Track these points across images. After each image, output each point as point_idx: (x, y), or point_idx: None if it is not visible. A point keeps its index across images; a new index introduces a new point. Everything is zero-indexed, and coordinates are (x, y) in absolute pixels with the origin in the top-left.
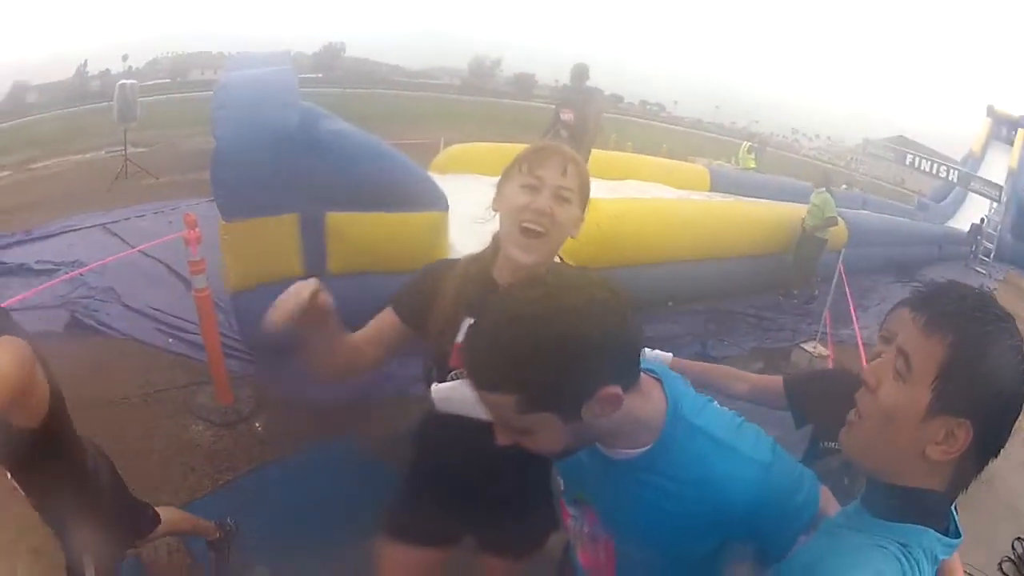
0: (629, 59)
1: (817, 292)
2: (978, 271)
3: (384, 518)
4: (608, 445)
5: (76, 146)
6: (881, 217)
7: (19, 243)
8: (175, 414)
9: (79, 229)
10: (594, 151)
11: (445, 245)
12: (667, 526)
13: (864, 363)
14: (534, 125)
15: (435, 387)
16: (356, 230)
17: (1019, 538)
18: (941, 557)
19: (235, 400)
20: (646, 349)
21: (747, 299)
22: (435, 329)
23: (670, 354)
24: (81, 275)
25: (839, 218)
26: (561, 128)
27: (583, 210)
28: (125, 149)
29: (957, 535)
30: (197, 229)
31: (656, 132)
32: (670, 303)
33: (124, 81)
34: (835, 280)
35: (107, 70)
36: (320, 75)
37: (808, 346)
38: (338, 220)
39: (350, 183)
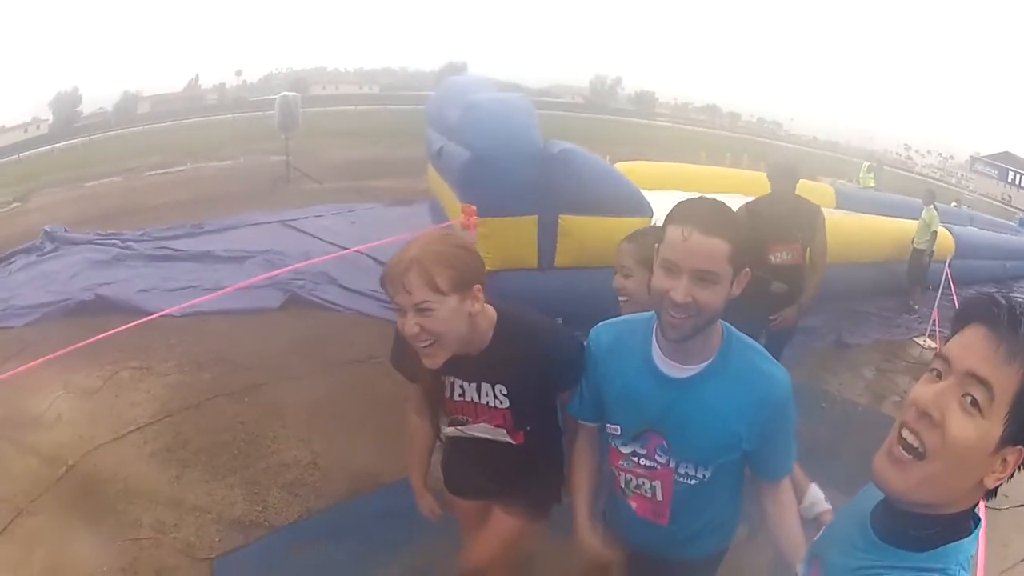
0: (745, 75)
1: (917, 306)
2: None
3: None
4: (684, 361)
5: (217, 153)
6: (985, 232)
7: (190, 235)
8: None
9: (260, 224)
10: (730, 170)
11: None
12: (723, 427)
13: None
14: (655, 143)
15: (446, 430)
16: (582, 231)
17: None
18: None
19: None
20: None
21: (872, 300)
22: (425, 384)
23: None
24: (314, 264)
25: (947, 232)
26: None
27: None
28: (287, 156)
29: (977, 520)
30: (475, 218)
31: (771, 150)
32: None
33: (286, 93)
34: (942, 285)
35: (222, 84)
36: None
37: (920, 340)
38: (568, 222)
39: (579, 192)
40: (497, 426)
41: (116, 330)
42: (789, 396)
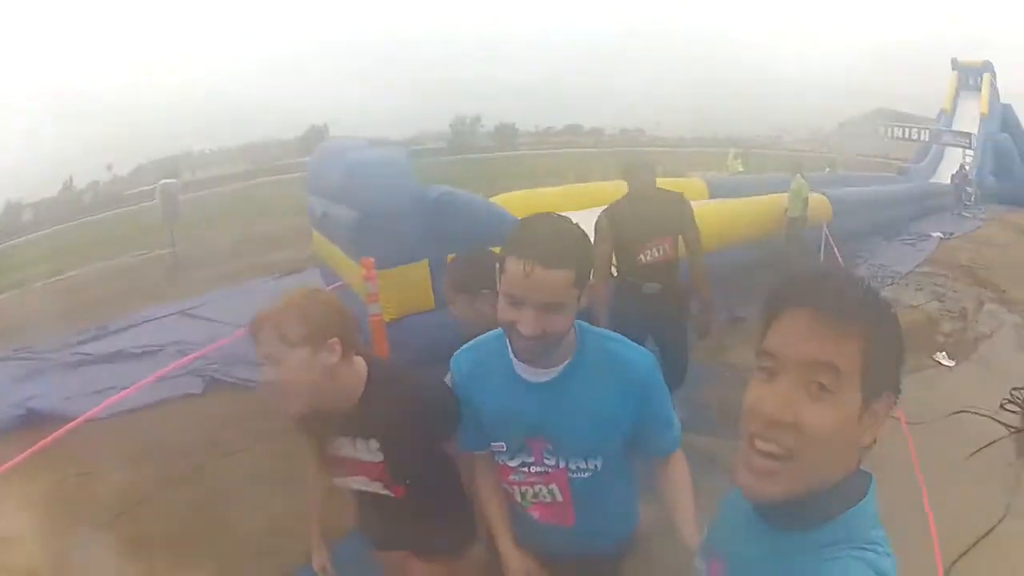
0: (602, 90)
1: None
2: (964, 215)
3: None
4: (545, 365)
5: (105, 252)
6: (862, 189)
7: (97, 338)
8: None
9: (162, 317)
10: (600, 184)
11: None
12: (598, 416)
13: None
14: (520, 173)
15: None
16: None
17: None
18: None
19: None
20: None
21: (759, 274)
22: (310, 437)
23: None
24: (220, 347)
25: (823, 196)
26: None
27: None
28: (174, 245)
29: (869, 477)
30: (374, 271)
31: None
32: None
33: (165, 180)
34: (823, 247)
35: (96, 182)
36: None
37: None
38: None
39: (461, 230)
40: (374, 479)
41: (55, 435)
42: (653, 374)
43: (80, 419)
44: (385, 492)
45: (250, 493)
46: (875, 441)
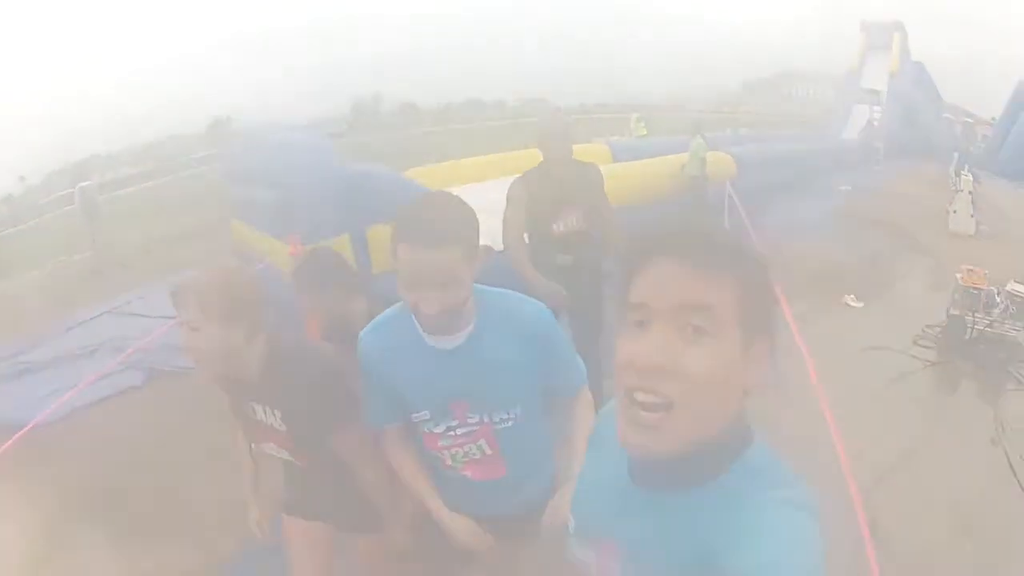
0: (500, 62)
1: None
2: (875, 169)
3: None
4: (451, 332)
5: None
6: (767, 146)
7: (34, 347)
8: None
9: (93, 318)
10: (515, 153)
11: None
12: (508, 369)
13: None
14: (422, 151)
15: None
16: (388, 238)
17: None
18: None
19: None
20: None
21: None
22: (230, 402)
23: None
24: (154, 338)
25: (727, 156)
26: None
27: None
28: (97, 247)
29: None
30: (300, 246)
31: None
32: None
33: (82, 184)
34: (726, 205)
35: (9, 195)
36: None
37: None
38: (376, 232)
39: (379, 203)
40: (281, 447)
41: (4, 446)
42: (548, 321)
43: (29, 425)
44: (292, 460)
45: (208, 470)
46: (755, 388)
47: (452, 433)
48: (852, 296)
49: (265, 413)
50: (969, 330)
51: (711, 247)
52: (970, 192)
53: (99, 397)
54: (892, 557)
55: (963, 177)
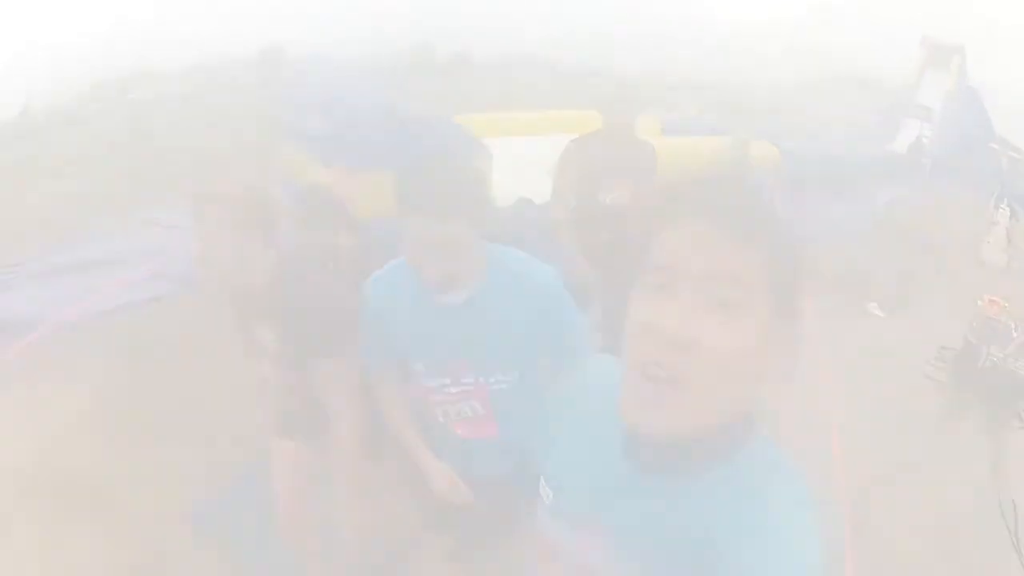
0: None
1: None
2: (918, 186)
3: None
4: (456, 289)
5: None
6: (813, 144)
7: (63, 251)
8: None
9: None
10: (567, 112)
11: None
12: (510, 333)
13: None
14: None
15: None
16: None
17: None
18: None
19: None
20: None
21: None
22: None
23: None
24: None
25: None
26: None
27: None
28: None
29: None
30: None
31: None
32: None
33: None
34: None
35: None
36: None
37: None
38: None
39: (427, 148)
40: (273, 366)
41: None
42: (555, 286)
43: (53, 323)
44: (285, 379)
45: (224, 383)
46: (775, 378)
47: (445, 389)
48: (875, 304)
49: (265, 330)
50: (983, 359)
51: (751, 217)
52: (1006, 227)
53: (124, 302)
54: (868, 567)
55: (1001, 210)
